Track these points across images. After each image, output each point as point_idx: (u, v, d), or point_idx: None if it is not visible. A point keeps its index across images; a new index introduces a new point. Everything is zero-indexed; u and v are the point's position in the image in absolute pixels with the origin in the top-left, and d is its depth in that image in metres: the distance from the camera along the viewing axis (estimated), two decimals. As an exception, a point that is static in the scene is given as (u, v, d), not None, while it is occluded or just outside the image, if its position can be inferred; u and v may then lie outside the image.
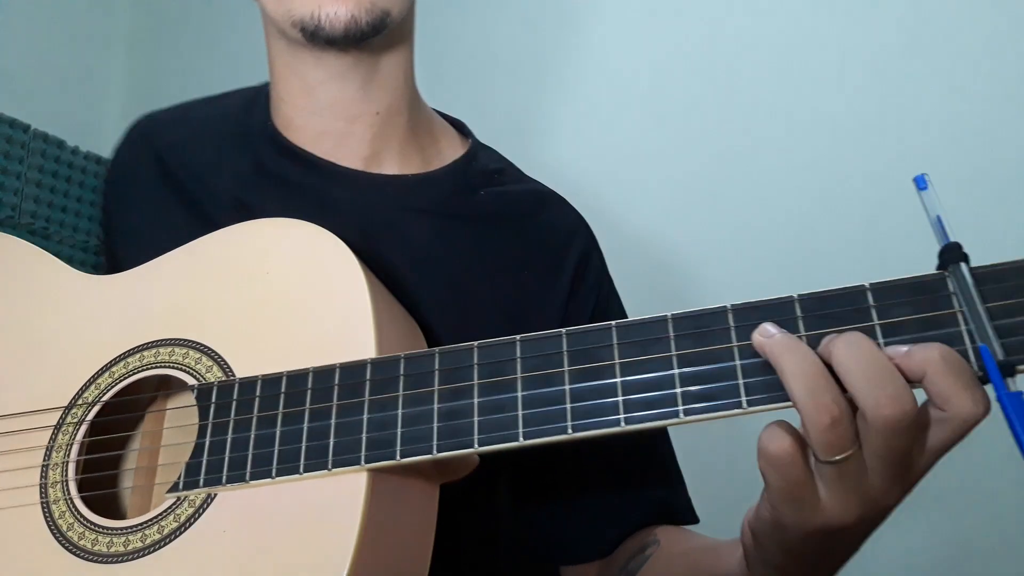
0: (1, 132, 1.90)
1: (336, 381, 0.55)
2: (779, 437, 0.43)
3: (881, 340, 0.45)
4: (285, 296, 0.60)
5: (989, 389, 0.42)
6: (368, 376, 0.54)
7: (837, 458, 0.42)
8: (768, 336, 0.44)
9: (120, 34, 2.24)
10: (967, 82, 1.29)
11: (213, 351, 0.61)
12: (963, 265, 0.45)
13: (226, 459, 0.55)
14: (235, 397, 0.57)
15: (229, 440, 0.56)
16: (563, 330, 0.51)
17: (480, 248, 0.74)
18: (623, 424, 0.47)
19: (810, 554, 0.47)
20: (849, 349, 0.42)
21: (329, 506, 0.52)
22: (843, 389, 0.42)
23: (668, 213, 1.48)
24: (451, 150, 0.77)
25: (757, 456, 0.44)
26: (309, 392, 0.55)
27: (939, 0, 1.33)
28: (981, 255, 0.45)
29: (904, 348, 0.42)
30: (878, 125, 1.34)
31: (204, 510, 0.55)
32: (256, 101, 0.76)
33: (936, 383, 0.41)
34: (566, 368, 0.50)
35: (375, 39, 0.64)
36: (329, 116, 0.69)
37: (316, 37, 0.62)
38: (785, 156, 1.40)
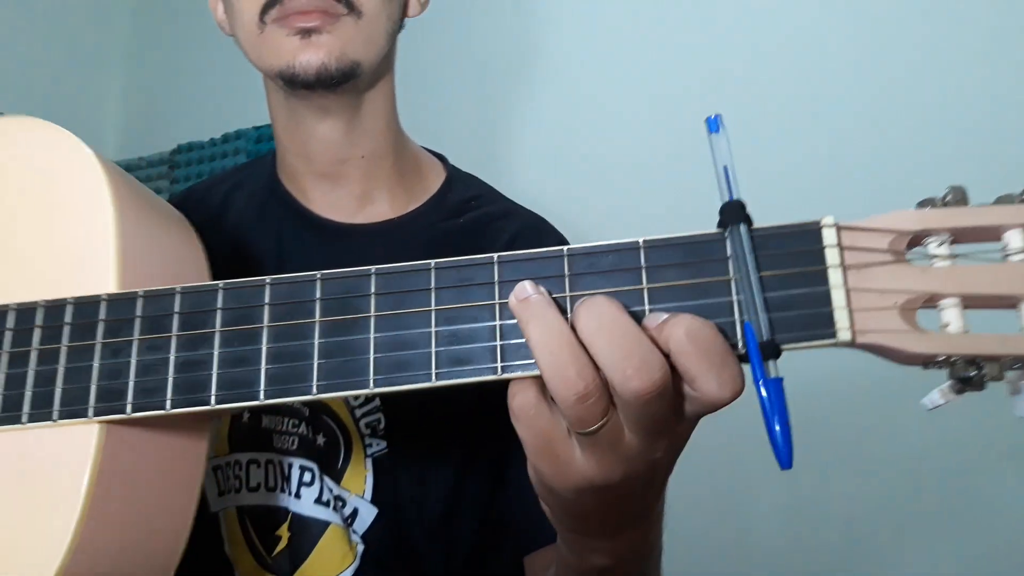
0: (1, 132, 1.84)
1: (66, 319, 0.48)
2: (523, 389, 0.40)
3: (648, 306, 0.40)
4: (21, 215, 0.52)
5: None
6: (102, 315, 0.47)
7: (589, 430, 0.39)
8: (520, 298, 0.40)
9: (119, 37, 2.22)
10: (968, 86, 1.21)
11: None
12: (742, 226, 0.40)
13: (-56, 403, 0.49)
14: (-48, 334, 0.50)
15: (-52, 381, 0.49)
16: (318, 273, 0.45)
17: None
18: (371, 386, 0.43)
19: (593, 512, 0.44)
20: (591, 315, 0.38)
21: (58, 463, 0.46)
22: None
23: (649, 221, 1.40)
24: (435, 181, 0.81)
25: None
26: (37, 331, 0.48)
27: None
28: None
29: (656, 318, 0.38)
30: (865, 127, 1.27)
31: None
32: (263, 165, 0.82)
33: (680, 361, 0.37)
34: (317, 319, 0.44)
35: (347, 85, 0.70)
36: (321, 158, 0.75)
37: (294, 84, 0.69)
38: (768, 164, 1.28)
